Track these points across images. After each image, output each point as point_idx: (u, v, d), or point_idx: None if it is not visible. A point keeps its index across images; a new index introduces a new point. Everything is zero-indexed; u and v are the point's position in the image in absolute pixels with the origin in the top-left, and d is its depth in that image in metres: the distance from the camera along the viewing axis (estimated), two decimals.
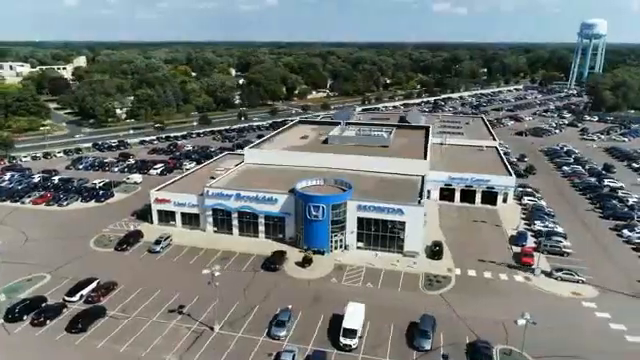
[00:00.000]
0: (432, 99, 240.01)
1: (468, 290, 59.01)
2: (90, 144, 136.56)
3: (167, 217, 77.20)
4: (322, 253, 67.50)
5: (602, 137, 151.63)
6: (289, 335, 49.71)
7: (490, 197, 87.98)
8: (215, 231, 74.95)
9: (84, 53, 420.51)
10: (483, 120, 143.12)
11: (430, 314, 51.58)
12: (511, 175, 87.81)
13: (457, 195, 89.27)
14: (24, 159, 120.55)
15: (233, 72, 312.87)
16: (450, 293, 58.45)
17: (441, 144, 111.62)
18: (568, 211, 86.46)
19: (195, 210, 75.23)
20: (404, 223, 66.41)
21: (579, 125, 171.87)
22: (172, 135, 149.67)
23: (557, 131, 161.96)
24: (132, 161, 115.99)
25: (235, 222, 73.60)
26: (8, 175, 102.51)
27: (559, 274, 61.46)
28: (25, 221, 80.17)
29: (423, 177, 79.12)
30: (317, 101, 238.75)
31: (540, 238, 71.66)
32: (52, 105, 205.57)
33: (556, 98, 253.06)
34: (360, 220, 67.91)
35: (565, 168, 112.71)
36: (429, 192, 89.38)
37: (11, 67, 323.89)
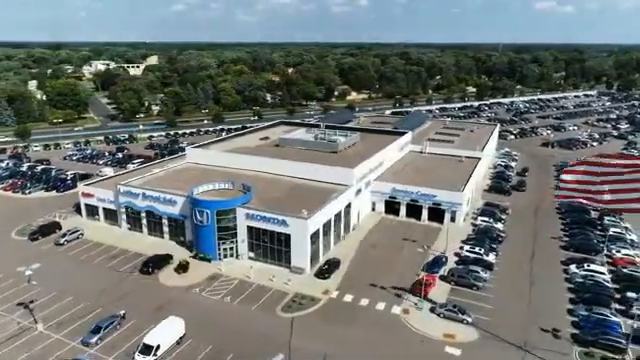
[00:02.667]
0: (477, 103, 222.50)
1: (327, 317, 52.84)
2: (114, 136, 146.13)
3: (93, 212, 79.15)
4: (209, 260, 64.69)
5: None
6: (100, 344, 47.96)
7: (438, 214, 78.67)
8: (129, 229, 75.32)
9: (171, 53, 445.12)
10: (495, 128, 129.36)
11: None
12: (461, 191, 77.46)
13: (403, 209, 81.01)
14: (35, 148, 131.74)
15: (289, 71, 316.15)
16: (304, 318, 52.71)
17: (420, 152, 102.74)
18: (526, 237, 74.41)
19: (113, 207, 76.22)
20: (289, 236, 61.44)
21: (629, 138, 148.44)
22: (181, 132, 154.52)
23: (595, 144, 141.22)
24: (120, 155, 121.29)
25: (144, 221, 73.38)
26: (4, 163, 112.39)
27: (442, 310, 52.74)
28: None
29: (348, 186, 72.80)
30: (353, 102, 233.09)
31: (457, 266, 62.37)
32: (105, 100, 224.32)
33: (627, 107, 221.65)
34: (250, 229, 64.01)
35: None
36: (374, 204, 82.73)
37: (90, 65, 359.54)
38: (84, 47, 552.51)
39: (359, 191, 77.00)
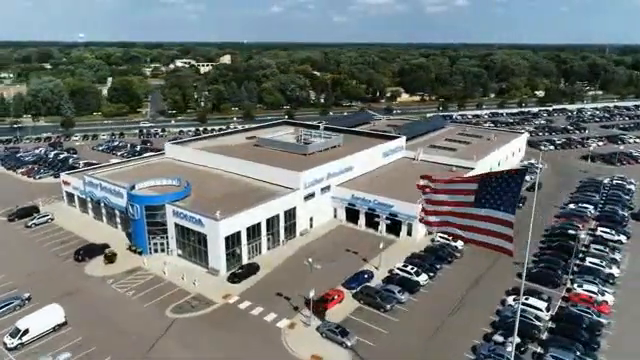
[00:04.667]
0: (536, 109, 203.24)
1: (210, 322, 51.63)
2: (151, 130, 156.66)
3: (71, 199, 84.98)
4: (140, 253, 66.36)
5: None
6: None
7: (395, 226, 73.15)
8: (94, 217, 79.79)
9: (250, 52, 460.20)
10: (521, 137, 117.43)
11: None
12: (418, 203, 70.92)
13: (362, 218, 76.54)
14: (75, 138, 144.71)
15: None
16: (187, 320, 51.90)
17: (412, 159, 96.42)
18: (485, 259, 66.09)
19: (84, 195, 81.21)
20: (205, 236, 60.96)
21: None
22: (209, 128, 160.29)
23: None
24: (138, 148, 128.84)
25: (103, 211, 77.26)
26: (37, 150, 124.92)
27: (324, 329, 48.95)
28: None
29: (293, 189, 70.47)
30: (401, 104, 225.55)
31: (369, 285, 57.62)
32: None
33: None
34: (177, 226, 64.54)
35: (571, 206, 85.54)
36: (335, 210, 79.32)
37: (171, 63, 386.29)
38: (178, 46, 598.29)
39: (311, 195, 74.17)
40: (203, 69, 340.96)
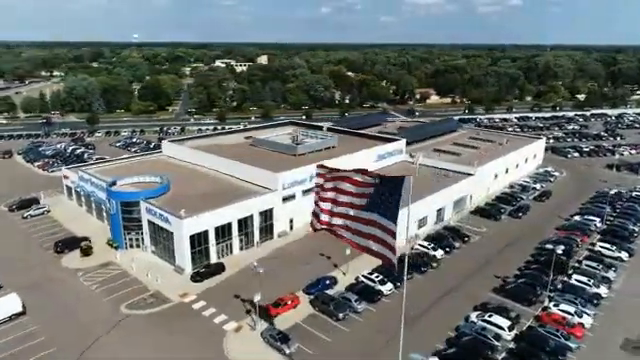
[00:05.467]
0: (572, 113, 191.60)
1: (160, 320, 51.72)
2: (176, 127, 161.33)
3: (70, 193, 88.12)
4: (116, 248, 67.65)
5: None
6: None
7: None
8: (87, 211, 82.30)
9: (290, 53, 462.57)
10: (537, 142, 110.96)
11: None
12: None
13: None
14: (97, 134, 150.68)
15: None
16: (138, 317, 52.24)
17: (412, 163, 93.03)
18: (462, 271, 62.76)
19: (78, 189, 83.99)
20: (172, 234, 61.22)
21: None
22: (227, 127, 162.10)
23: None
24: (152, 145, 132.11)
25: (93, 205, 79.48)
26: (59, 145, 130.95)
27: (267, 335, 47.64)
28: (11, 176, 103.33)
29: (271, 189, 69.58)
30: (430, 106, 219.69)
31: (326, 292, 55.83)
32: None
33: None
34: (149, 223, 65.27)
35: (576, 218, 79.50)
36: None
37: (209, 64, 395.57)
38: (225, 46, 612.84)
39: (291, 197, 73.00)
40: (239, 69, 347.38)
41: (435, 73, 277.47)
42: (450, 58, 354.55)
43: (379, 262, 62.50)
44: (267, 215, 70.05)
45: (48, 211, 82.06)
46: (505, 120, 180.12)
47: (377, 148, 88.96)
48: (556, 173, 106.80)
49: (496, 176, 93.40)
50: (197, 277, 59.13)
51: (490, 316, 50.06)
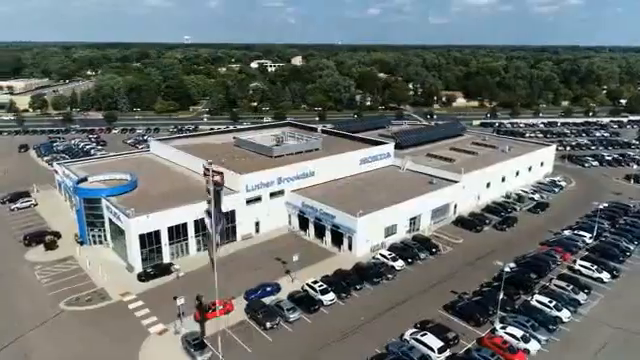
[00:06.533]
0: (606, 120, 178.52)
1: (91, 318, 51.83)
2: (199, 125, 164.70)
3: (60, 187, 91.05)
4: (82, 243, 68.91)
5: None
6: None
7: (339, 238, 68.12)
8: (70, 205, 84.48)
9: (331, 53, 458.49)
10: (545, 149, 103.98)
11: None
12: (358, 216, 64.86)
13: (311, 227, 72.35)
14: (114, 131, 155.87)
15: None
16: (72, 314, 52.64)
17: (399, 167, 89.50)
18: (419, 284, 59.14)
19: (62, 184, 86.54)
20: (124, 231, 61.55)
21: None
22: (239, 126, 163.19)
23: None
24: None
25: (75, 201, 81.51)
26: (73, 141, 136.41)
27: (185, 340, 46.54)
28: (19, 169, 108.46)
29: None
30: (455, 109, 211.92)
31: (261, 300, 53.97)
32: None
33: None
34: (110, 220, 65.98)
35: (566, 233, 73.22)
36: (290, 217, 76.09)
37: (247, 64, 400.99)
38: (269, 47, 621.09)
39: (257, 199, 71.72)
40: (271, 69, 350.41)
41: (467, 75, 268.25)
42: (489, 60, 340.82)
43: (327, 271, 60.94)
44: (229, 217, 69.07)
45: (35, 204, 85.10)
46: (531, 125, 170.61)
47: (360, 152, 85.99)
48: (563, 183, 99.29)
49: (489, 184, 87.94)
50: (143, 277, 59.03)
51: (423, 335, 46.53)
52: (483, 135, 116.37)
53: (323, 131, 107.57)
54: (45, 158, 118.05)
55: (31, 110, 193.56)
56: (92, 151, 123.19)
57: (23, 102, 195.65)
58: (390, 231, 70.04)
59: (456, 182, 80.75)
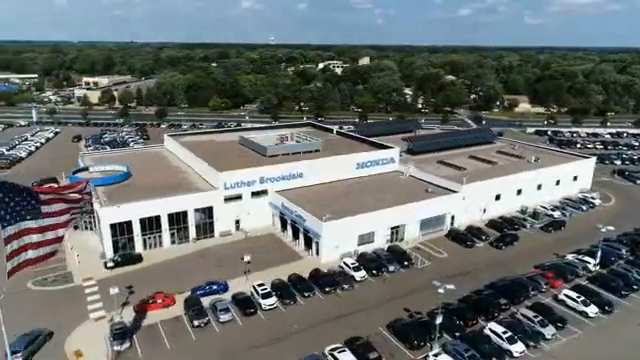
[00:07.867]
0: None
1: (46, 300, 55.27)
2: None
3: None
4: (75, 228, 73.51)
5: None
6: None
7: (309, 242, 66.26)
8: None
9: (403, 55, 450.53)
10: (582, 163, 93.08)
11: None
12: (323, 221, 62.15)
13: (289, 229, 71.15)
14: (162, 126, 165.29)
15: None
16: (32, 294, 56.45)
17: (402, 173, 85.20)
18: (374, 299, 55.56)
19: None
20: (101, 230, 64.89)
21: None
22: (255, 125, 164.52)
23: None
24: None
25: None
26: (121, 134, 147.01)
27: (111, 329, 47.92)
28: (63, 156, 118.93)
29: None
30: (518, 115, 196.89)
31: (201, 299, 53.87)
32: None
33: None
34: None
35: (569, 257, 64.70)
36: (273, 217, 75.66)
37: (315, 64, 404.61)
38: (338, 48, 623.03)
39: (237, 197, 71.99)
40: (337, 70, 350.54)
41: (538, 79, 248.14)
42: (581, 62, 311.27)
43: (288, 274, 59.36)
44: (206, 213, 70.11)
45: None
46: (594, 135, 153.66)
47: (356, 155, 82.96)
48: (597, 201, 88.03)
49: (498, 197, 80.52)
50: (108, 265, 61.73)
51: (341, 352, 43.63)
52: (514, 144, 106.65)
53: (338, 133, 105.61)
54: (89, 148, 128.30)
55: (100, 104, 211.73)
56: (131, 144, 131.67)
57: (94, 97, 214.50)
58: (366, 239, 66.73)
59: (455, 192, 74.98)
